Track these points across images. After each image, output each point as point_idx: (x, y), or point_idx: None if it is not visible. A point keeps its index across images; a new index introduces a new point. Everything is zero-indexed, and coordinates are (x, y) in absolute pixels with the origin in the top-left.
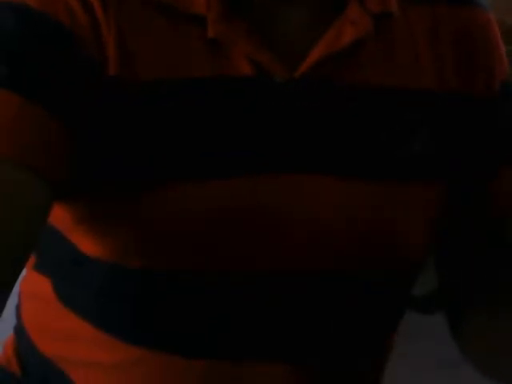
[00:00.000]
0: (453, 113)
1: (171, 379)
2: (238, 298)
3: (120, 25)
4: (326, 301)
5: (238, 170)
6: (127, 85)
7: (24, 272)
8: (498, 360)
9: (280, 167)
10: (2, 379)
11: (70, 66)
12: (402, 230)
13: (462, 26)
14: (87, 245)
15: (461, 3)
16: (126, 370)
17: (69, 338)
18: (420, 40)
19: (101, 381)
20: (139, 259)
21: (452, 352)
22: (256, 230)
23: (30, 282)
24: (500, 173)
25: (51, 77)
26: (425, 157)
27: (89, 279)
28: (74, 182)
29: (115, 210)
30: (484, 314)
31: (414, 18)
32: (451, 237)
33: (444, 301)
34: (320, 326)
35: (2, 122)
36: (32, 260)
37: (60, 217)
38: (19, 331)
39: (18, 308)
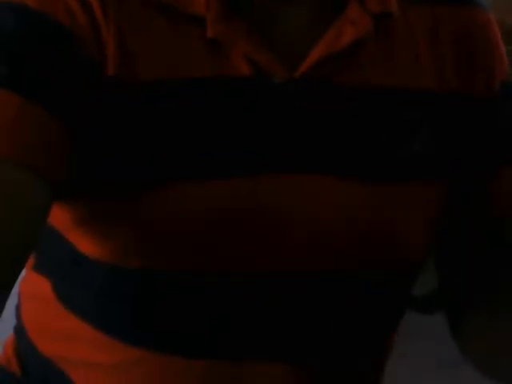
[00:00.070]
0: (453, 113)
1: (171, 379)
2: (238, 298)
3: (120, 25)
4: (326, 301)
5: (238, 169)
6: (127, 85)
7: (24, 272)
8: (497, 360)
9: (280, 167)
10: (2, 379)
11: (69, 65)
12: (401, 230)
13: (462, 26)
14: (87, 245)
15: (461, 3)
16: (125, 370)
17: (68, 338)
18: (420, 40)
19: (101, 381)
20: (139, 259)
21: (452, 352)
22: (256, 230)
23: (29, 283)
24: (500, 173)
25: (51, 77)
26: (425, 157)
27: (88, 279)
28: (73, 182)
29: (115, 210)
30: (484, 314)
31: (413, 17)
32: (451, 237)
33: (444, 301)
34: (320, 326)
35: (2, 121)
36: (31, 260)
37: (59, 217)
38: (19, 331)
39: (18, 308)
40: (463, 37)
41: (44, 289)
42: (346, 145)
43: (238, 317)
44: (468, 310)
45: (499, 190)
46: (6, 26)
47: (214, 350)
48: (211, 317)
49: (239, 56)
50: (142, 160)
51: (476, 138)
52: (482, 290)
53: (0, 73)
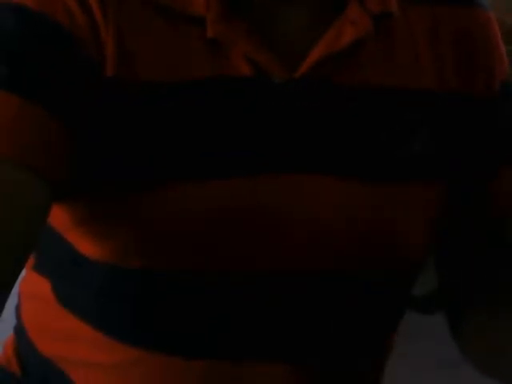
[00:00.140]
0: (453, 113)
1: (171, 379)
2: (237, 298)
3: (119, 25)
4: (326, 301)
5: (238, 169)
6: (126, 85)
7: (23, 272)
8: (497, 360)
9: (280, 167)
10: (2, 379)
11: (69, 66)
12: (402, 230)
13: (462, 26)
14: (86, 246)
15: (461, 3)
16: (125, 370)
17: (68, 338)
18: (420, 40)
19: (100, 381)
20: (139, 259)
21: (452, 352)
22: (256, 230)
23: (29, 283)
24: (500, 173)
25: (50, 77)
26: (425, 157)
27: (88, 280)
28: (73, 182)
29: (115, 210)
30: (484, 314)
31: (414, 17)
32: (451, 237)
33: (444, 301)
34: (320, 326)
35: (2, 121)
36: (31, 260)
37: (59, 218)
38: (19, 331)
39: (18, 308)
40: (463, 37)
41: (44, 289)
42: (346, 145)
43: (237, 317)
44: (468, 309)
45: (499, 189)
46: (6, 27)
47: (214, 350)
48: (211, 317)
49: (239, 56)
50: (142, 160)
51: (476, 138)
52: (481, 289)
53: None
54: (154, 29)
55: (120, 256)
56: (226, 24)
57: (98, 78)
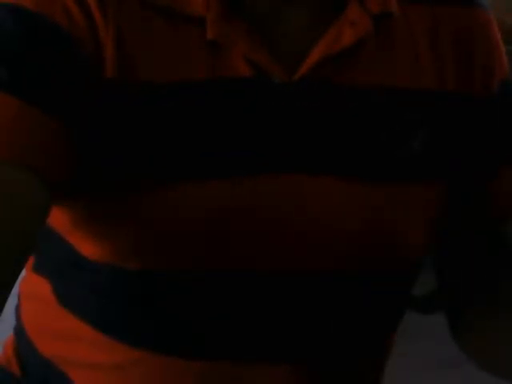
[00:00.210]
0: (453, 113)
1: (171, 380)
2: (237, 298)
3: (119, 25)
4: (326, 301)
5: (238, 170)
6: (126, 86)
7: (23, 273)
8: (498, 360)
9: (280, 167)
10: (2, 379)
11: (68, 66)
12: (402, 230)
13: (463, 26)
14: (86, 247)
15: (461, 3)
16: (125, 370)
17: (68, 338)
18: (420, 40)
19: (100, 381)
20: (139, 260)
21: (452, 352)
22: (256, 230)
23: (29, 283)
24: (500, 173)
25: (49, 77)
26: (425, 157)
27: (88, 280)
28: (73, 183)
29: (115, 210)
30: (484, 313)
31: (413, 17)
32: (451, 237)
33: (444, 301)
34: (320, 326)
35: (2, 122)
36: (31, 261)
37: (59, 219)
38: (19, 332)
39: (18, 309)
40: (463, 37)
41: (44, 289)
42: (346, 145)
43: (237, 317)
44: (468, 309)
45: (499, 189)
46: (4, 27)
47: (214, 350)
48: (211, 317)
49: (239, 57)
50: (142, 160)
51: (476, 138)
52: (481, 290)
53: None
54: (154, 29)
55: (120, 256)
56: (225, 24)
57: (98, 79)
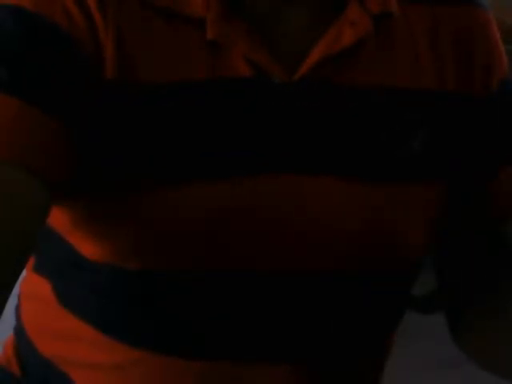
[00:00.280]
0: (453, 113)
1: (171, 380)
2: (237, 298)
3: (119, 26)
4: (326, 301)
5: (238, 170)
6: (126, 86)
7: (24, 273)
8: (498, 360)
9: (280, 167)
10: (2, 379)
11: (67, 67)
12: (402, 230)
13: (462, 26)
14: (86, 247)
15: (461, 3)
16: (125, 370)
17: (68, 338)
18: (420, 40)
19: (100, 381)
20: (139, 260)
21: (452, 352)
22: (256, 230)
23: (29, 283)
24: (500, 173)
25: (49, 78)
26: (425, 157)
27: (88, 280)
28: (73, 183)
29: (115, 210)
30: (484, 313)
31: (413, 17)
32: (451, 237)
33: (443, 301)
34: (320, 325)
35: (2, 122)
36: (31, 261)
37: (59, 219)
38: (19, 332)
39: (18, 309)
40: (463, 37)
41: (44, 290)
42: (346, 145)
43: (237, 317)
44: (468, 310)
45: (499, 189)
46: (4, 28)
47: (214, 350)
48: (211, 317)
49: (239, 57)
50: (142, 161)
51: (476, 138)
52: (481, 290)
53: None
54: (154, 30)
55: (120, 256)
56: (225, 24)
57: (98, 79)
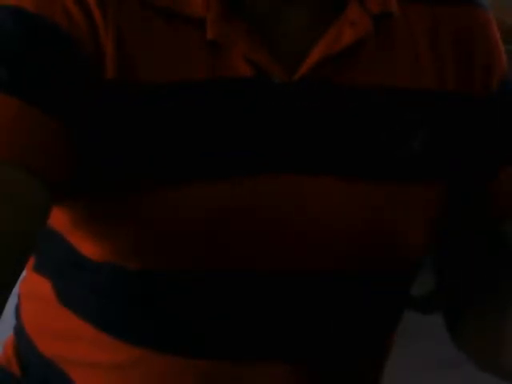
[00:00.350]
0: (453, 113)
1: (171, 379)
2: (238, 298)
3: (119, 26)
4: (326, 301)
5: (238, 170)
6: (126, 86)
7: (24, 273)
8: (497, 360)
9: (280, 167)
10: (2, 379)
11: (67, 67)
12: (401, 230)
13: (462, 26)
14: (87, 246)
15: (461, 3)
16: (126, 370)
17: (69, 338)
18: (420, 40)
19: (101, 381)
20: (139, 260)
21: (452, 352)
22: (256, 230)
23: (29, 283)
24: (500, 173)
25: (49, 78)
26: (425, 157)
27: (88, 280)
28: (73, 183)
29: (115, 210)
30: (483, 314)
31: (413, 17)
32: (451, 237)
33: (442, 301)
34: (320, 325)
35: (2, 122)
36: (32, 261)
37: (60, 219)
38: (19, 331)
39: (18, 308)
40: (463, 37)
41: (44, 289)
42: (346, 145)
43: (238, 317)
44: (467, 310)
45: (499, 189)
46: (4, 29)
47: (214, 349)
48: (211, 317)
49: (239, 57)
50: (142, 160)
51: (476, 138)
52: (481, 290)
53: None
54: (154, 30)
55: (120, 256)
56: (225, 24)
57: (98, 79)
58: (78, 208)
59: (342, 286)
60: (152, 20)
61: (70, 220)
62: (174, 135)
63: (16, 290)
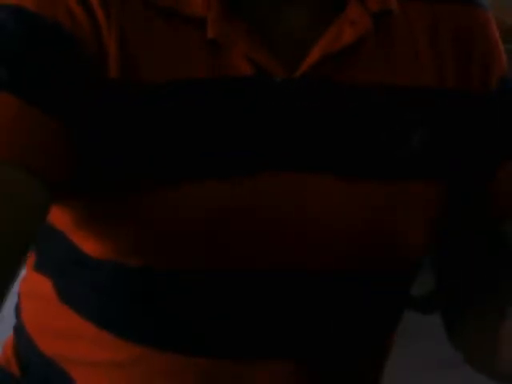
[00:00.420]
0: (452, 112)
1: (172, 377)
2: (238, 297)
3: (122, 25)
4: (326, 300)
5: (238, 169)
6: (129, 86)
7: (24, 272)
8: (495, 360)
9: (280, 166)
10: (2, 380)
11: (69, 66)
12: (402, 230)
13: (462, 24)
14: (88, 244)
15: (460, 1)
16: (126, 368)
17: (70, 336)
18: (420, 38)
19: (102, 379)
20: (140, 258)
21: (452, 352)
22: (256, 230)
23: (30, 282)
24: (499, 172)
25: (50, 78)
26: (425, 156)
27: (90, 278)
28: (73, 183)
29: (115, 210)
30: (483, 314)
31: (413, 15)
32: (451, 237)
33: (442, 301)
34: (319, 325)
35: (2, 122)
36: (32, 260)
37: (61, 218)
38: (19, 331)
39: (18, 308)
40: (463, 35)
41: (45, 288)
42: (346, 144)
43: (238, 315)
44: (467, 310)
45: (499, 189)
46: (5, 28)
47: (215, 348)
48: (211, 316)
49: (239, 56)
50: (142, 160)
51: (475, 137)
52: (481, 290)
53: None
54: (156, 29)
55: (121, 254)
56: (226, 24)
57: (100, 79)
58: (78, 207)
59: (341, 285)
60: (154, 19)
61: (71, 219)
62: (175, 134)
63: (16, 289)
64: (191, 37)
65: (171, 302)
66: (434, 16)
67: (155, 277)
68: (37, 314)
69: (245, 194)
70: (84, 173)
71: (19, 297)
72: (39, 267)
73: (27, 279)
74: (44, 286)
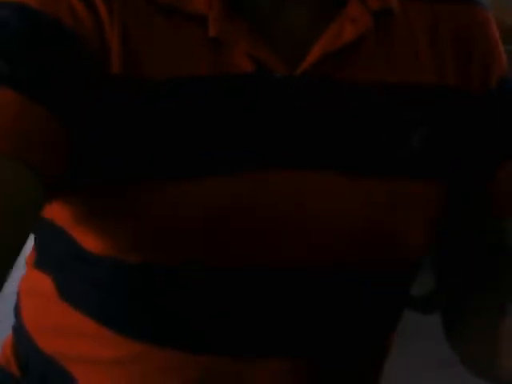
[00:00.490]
0: (452, 111)
1: (171, 374)
2: (237, 295)
3: (124, 21)
4: (326, 299)
5: (239, 167)
6: (130, 82)
7: (24, 271)
8: (494, 360)
9: (280, 164)
10: (2, 379)
11: (71, 63)
12: (402, 229)
13: (462, 24)
14: (88, 240)
15: (460, 1)
16: (126, 365)
17: (70, 334)
18: (420, 37)
19: (102, 376)
20: (139, 254)
21: (452, 352)
22: (256, 228)
23: (30, 280)
24: (499, 172)
25: (52, 75)
26: (425, 156)
27: (89, 274)
28: (72, 179)
29: (114, 207)
30: (483, 314)
31: (413, 14)
32: (451, 237)
33: (442, 301)
34: (319, 324)
35: (3, 118)
36: (32, 258)
37: (60, 214)
38: (18, 330)
39: (17, 307)
40: (463, 35)
41: (45, 285)
42: (347, 141)
43: (237, 313)
44: (467, 310)
45: (499, 189)
46: (8, 25)
47: (214, 345)
48: (211, 313)
49: (241, 53)
50: (142, 158)
51: (475, 137)
52: (481, 290)
53: (1, 72)
54: (157, 26)
55: (121, 251)
56: (227, 23)
57: (103, 74)
58: (77, 203)
59: (341, 285)
60: (156, 16)
61: (70, 215)
62: (175, 131)
63: (15, 288)
64: (193, 34)
65: (170, 299)
66: (434, 16)
67: (154, 273)
68: (36, 312)
69: (245, 192)
70: (84, 168)
71: (18, 296)
72: (39, 265)
73: (27, 277)
74: (44, 283)
